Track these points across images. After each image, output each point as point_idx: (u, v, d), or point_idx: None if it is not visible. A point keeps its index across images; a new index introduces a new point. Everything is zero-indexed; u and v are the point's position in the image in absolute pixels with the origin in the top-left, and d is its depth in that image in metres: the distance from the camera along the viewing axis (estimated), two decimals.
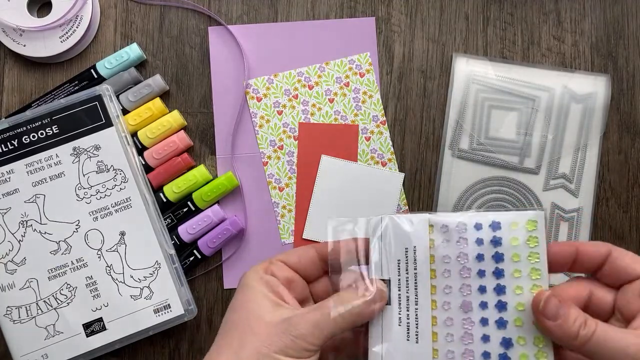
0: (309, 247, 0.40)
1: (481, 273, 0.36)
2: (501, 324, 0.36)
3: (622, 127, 0.54)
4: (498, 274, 0.36)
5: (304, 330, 0.35)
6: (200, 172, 0.53)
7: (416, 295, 0.37)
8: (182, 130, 0.53)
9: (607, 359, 0.32)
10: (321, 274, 0.41)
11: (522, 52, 0.55)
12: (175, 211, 0.53)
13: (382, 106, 0.54)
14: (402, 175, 0.54)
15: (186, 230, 0.52)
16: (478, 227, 0.36)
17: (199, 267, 0.54)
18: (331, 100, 0.54)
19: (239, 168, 0.54)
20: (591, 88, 0.54)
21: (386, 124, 0.54)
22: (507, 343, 0.35)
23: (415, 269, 0.37)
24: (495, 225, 0.36)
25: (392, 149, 0.54)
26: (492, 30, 0.55)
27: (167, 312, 0.51)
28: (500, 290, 0.36)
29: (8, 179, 0.50)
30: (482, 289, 0.36)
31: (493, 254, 0.36)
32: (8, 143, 0.50)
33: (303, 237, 0.53)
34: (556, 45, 0.55)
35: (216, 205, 0.53)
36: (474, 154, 0.54)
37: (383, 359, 0.37)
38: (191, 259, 0.52)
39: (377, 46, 0.55)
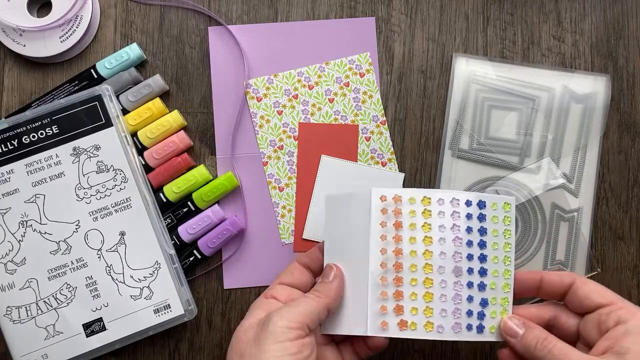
0: (296, 262, 0.46)
1: (469, 243, 0.42)
2: (482, 287, 0.42)
3: (622, 127, 0.54)
4: (482, 245, 0.42)
5: (283, 312, 0.40)
6: (200, 172, 0.53)
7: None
8: (182, 130, 0.53)
9: None
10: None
11: (522, 52, 0.55)
12: (175, 211, 0.53)
13: (382, 106, 0.54)
14: (402, 175, 0.54)
15: (186, 231, 0.52)
16: (468, 203, 0.42)
17: (199, 267, 0.54)
18: (331, 100, 0.54)
19: (239, 168, 0.54)
20: (591, 88, 0.54)
21: (386, 124, 0.54)
22: (484, 302, 0.42)
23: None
24: (482, 204, 0.42)
25: (392, 149, 0.54)
26: (492, 30, 0.55)
27: (167, 312, 0.51)
28: (483, 258, 0.42)
29: (8, 179, 0.50)
30: (470, 257, 0.42)
31: (479, 228, 0.42)
32: (8, 143, 0.50)
33: (303, 237, 0.53)
34: (556, 45, 0.55)
35: (216, 205, 0.53)
36: (474, 154, 0.54)
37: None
38: (191, 259, 0.52)
39: (377, 46, 0.55)
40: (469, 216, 0.42)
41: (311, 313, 0.40)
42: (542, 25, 0.55)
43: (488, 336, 0.42)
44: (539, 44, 0.55)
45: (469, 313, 0.41)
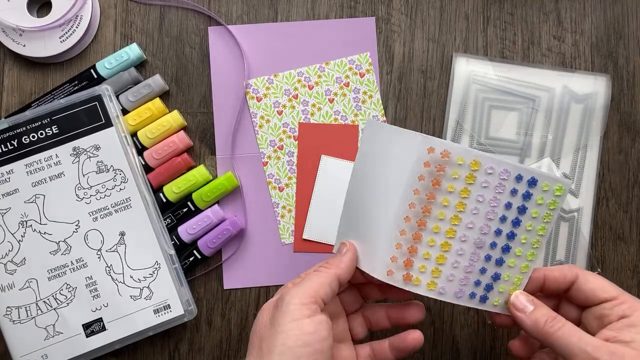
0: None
1: (503, 219, 0.40)
2: (499, 262, 0.41)
3: (622, 127, 0.54)
4: (515, 223, 0.40)
5: (293, 291, 0.38)
6: (200, 172, 0.53)
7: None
8: (182, 130, 0.53)
9: (568, 353, 0.37)
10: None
11: (522, 52, 0.55)
12: (175, 211, 0.53)
13: (382, 106, 0.54)
14: None
15: (186, 231, 0.52)
16: (519, 178, 0.39)
17: (198, 267, 0.54)
18: (331, 100, 0.54)
19: (239, 168, 0.54)
20: (591, 88, 0.54)
21: (386, 124, 0.54)
22: (497, 276, 0.41)
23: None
24: (533, 182, 0.40)
25: None
26: (492, 30, 0.55)
27: (167, 312, 0.51)
28: (511, 236, 0.40)
29: (8, 179, 0.50)
30: (498, 232, 0.40)
31: (520, 206, 0.40)
32: (8, 143, 0.50)
33: (303, 237, 0.53)
34: (556, 45, 0.55)
35: (216, 206, 0.53)
36: None
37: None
38: (191, 259, 0.52)
39: (377, 46, 0.55)
40: (513, 191, 0.39)
41: (322, 284, 0.39)
42: (542, 25, 0.55)
43: (490, 307, 0.41)
44: (539, 44, 0.55)
45: (477, 283, 0.40)
